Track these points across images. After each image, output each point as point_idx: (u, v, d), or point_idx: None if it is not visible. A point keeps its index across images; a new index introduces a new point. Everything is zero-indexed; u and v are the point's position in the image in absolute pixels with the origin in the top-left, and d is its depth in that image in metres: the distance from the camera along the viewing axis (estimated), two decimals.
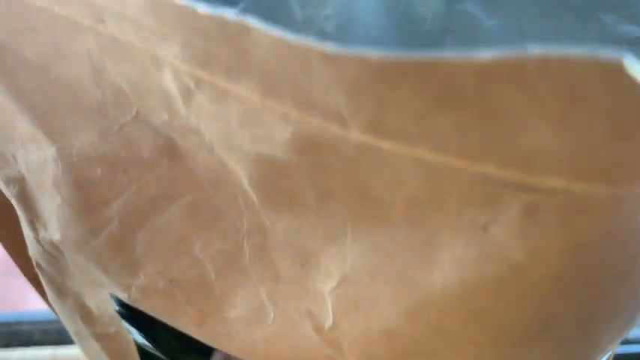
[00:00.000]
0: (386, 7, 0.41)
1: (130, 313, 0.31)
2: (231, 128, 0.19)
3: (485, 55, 0.13)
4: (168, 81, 0.19)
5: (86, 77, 0.22)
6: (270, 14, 0.38)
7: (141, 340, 0.33)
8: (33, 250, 0.29)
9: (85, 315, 0.31)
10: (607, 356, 0.24)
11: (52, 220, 0.26)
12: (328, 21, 0.41)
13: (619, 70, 0.12)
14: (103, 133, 0.23)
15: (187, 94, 0.19)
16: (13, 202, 0.27)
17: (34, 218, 0.27)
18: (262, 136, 0.18)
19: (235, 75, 0.17)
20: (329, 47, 0.14)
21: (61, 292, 0.31)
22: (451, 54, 0.13)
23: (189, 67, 0.18)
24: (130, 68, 0.20)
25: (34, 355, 0.51)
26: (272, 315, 0.24)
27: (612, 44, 0.33)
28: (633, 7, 0.31)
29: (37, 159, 0.25)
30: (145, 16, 0.18)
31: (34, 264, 0.30)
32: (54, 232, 0.26)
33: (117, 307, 0.30)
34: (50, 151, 0.24)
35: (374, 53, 0.14)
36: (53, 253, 0.28)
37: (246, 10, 0.37)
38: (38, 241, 0.27)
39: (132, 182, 0.23)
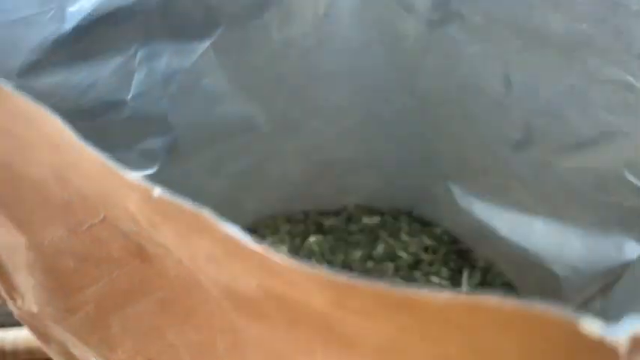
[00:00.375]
0: (367, 24, 0.40)
1: None
2: (199, 261, 0.19)
3: (442, 296, 0.13)
4: (134, 208, 0.19)
5: (51, 181, 0.22)
6: (249, 40, 0.37)
7: None
8: (11, 307, 0.29)
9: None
10: None
11: (28, 295, 0.26)
12: (307, 38, 0.40)
13: (574, 329, 0.12)
14: (72, 230, 0.23)
15: (153, 224, 0.19)
16: None
17: (10, 290, 0.27)
18: (229, 277, 0.18)
19: None
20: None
21: (45, 338, 0.32)
22: (410, 291, 0.13)
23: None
24: (95, 185, 0.20)
25: (28, 334, 0.52)
26: None
27: (595, 85, 0.32)
28: (619, 52, 0.30)
29: (9, 243, 0.25)
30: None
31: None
32: (31, 305, 0.26)
33: None
34: (21, 240, 0.24)
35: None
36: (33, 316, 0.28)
37: (224, 37, 0.36)
38: (17, 307, 0.28)
39: (104, 275, 0.23)
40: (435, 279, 0.52)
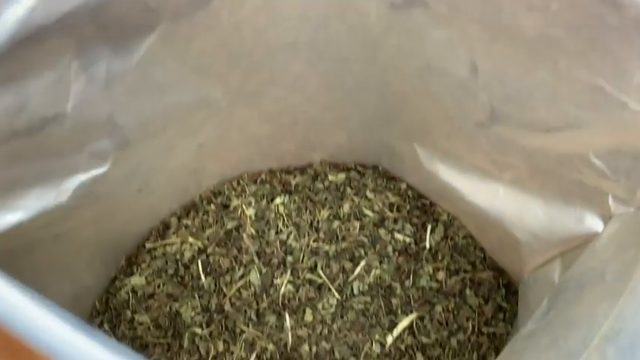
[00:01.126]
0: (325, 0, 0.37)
1: None
2: None
3: None
4: None
5: None
6: (196, 28, 0.34)
7: None
8: None
9: None
10: None
11: None
12: (260, 15, 0.37)
13: None
14: None
15: None
16: None
17: None
18: None
19: None
20: None
21: None
22: None
23: None
24: None
25: None
26: None
27: (564, 83, 0.31)
28: (592, 58, 0.28)
29: None
30: None
31: None
32: None
33: None
34: None
35: None
36: None
37: (168, 31, 0.32)
38: None
39: None
40: (399, 236, 0.53)
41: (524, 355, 0.35)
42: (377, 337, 0.48)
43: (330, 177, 0.56)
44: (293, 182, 0.56)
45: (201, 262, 0.51)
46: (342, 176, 0.56)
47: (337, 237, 0.52)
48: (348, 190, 0.55)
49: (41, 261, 0.41)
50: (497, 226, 0.47)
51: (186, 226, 0.53)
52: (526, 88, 0.33)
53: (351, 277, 0.50)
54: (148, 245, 0.53)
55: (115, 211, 0.43)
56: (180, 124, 0.40)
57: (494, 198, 0.46)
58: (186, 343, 0.49)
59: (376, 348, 0.48)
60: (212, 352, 0.48)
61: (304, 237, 0.52)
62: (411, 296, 0.50)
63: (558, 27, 0.27)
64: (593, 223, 0.40)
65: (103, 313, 0.51)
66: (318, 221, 0.53)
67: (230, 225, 0.53)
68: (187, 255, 0.52)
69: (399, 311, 0.49)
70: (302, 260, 0.51)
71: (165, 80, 0.35)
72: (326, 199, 0.55)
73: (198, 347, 0.48)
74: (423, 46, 0.35)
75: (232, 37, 0.37)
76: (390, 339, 0.48)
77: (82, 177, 0.35)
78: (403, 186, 0.56)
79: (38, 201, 0.33)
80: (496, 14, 0.29)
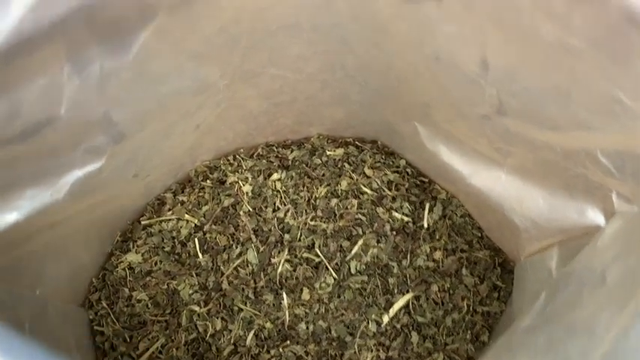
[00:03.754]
0: None
1: None
2: None
3: None
4: None
5: None
6: (194, 17, 0.32)
7: None
8: None
9: None
10: None
11: None
12: None
13: None
14: None
15: None
16: None
17: None
18: None
19: None
20: None
21: None
22: None
23: None
24: None
25: None
26: None
27: (581, 91, 0.30)
28: (614, 71, 0.27)
29: None
30: None
31: None
32: None
33: None
34: None
35: None
36: None
37: (165, 22, 0.30)
38: None
39: None
40: (397, 215, 0.52)
41: (520, 351, 0.35)
42: (373, 316, 0.49)
43: (328, 152, 0.55)
44: (290, 157, 0.55)
45: (198, 239, 0.51)
46: (340, 151, 0.55)
47: (335, 215, 0.52)
48: (346, 166, 0.54)
49: (38, 247, 0.41)
50: (496, 210, 0.47)
51: (182, 203, 0.53)
52: (538, 88, 0.32)
53: (349, 256, 0.50)
54: (144, 222, 0.52)
55: (111, 197, 0.42)
56: (177, 109, 0.39)
57: (496, 182, 0.46)
58: (184, 321, 0.49)
59: (372, 327, 0.49)
60: (210, 330, 0.49)
61: (302, 215, 0.52)
62: (407, 276, 0.50)
63: (579, 38, 0.26)
64: (595, 216, 0.39)
65: (101, 290, 0.51)
66: (315, 198, 0.53)
67: (227, 202, 0.52)
68: (184, 232, 0.51)
69: (396, 291, 0.50)
70: (299, 239, 0.51)
71: (162, 71, 0.33)
72: (324, 175, 0.54)
73: (196, 325, 0.49)
74: (433, 37, 0.34)
75: (232, 22, 0.35)
76: (386, 318, 0.49)
77: (78, 173, 0.34)
78: (402, 162, 0.55)
79: (34, 200, 0.33)
80: (514, 16, 0.28)
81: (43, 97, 0.27)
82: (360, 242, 0.51)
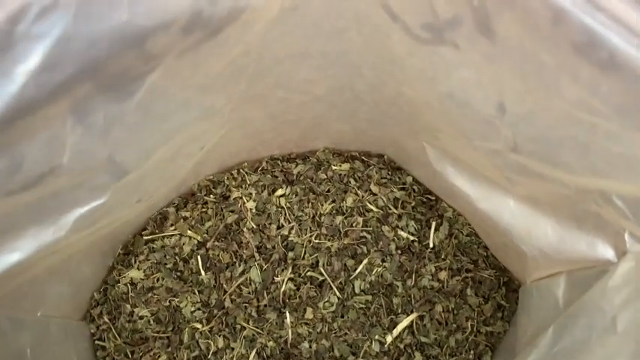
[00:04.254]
0: (342, 14, 0.34)
1: None
2: None
3: None
4: None
5: None
6: (202, 58, 0.31)
7: None
8: None
9: None
10: None
11: None
12: (272, 30, 0.34)
13: None
14: None
15: None
16: None
17: None
18: None
19: None
20: None
21: None
22: None
23: None
24: None
25: None
26: None
27: (601, 144, 0.29)
28: (632, 136, 0.26)
29: None
30: None
31: None
32: None
33: None
34: None
35: None
36: None
37: (171, 66, 0.29)
38: None
39: None
40: (402, 234, 0.52)
41: None
42: (377, 336, 0.49)
43: (334, 166, 0.54)
44: (295, 171, 0.54)
45: (201, 256, 0.51)
46: (345, 166, 0.54)
47: (340, 233, 0.51)
48: (352, 182, 0.53)
49: (40, 272, 0.40)
50: (503, 234, 0.47)
51: (185, 218, 0.52)
52: (556, 137, 0.31)
53: (353, 275, 0.50)
54: (146, 237, 0.52)
55: (113, 222, 0.41)
56: (182, 138, 0.38)
57: (504, 209, 0.45)
58: (186, 339, 0.49)
59: (375, 347, 0.49)
60: (212, 348, 0.49)
61: (306, 232, 0.51)
62: (412, 296, 0.50)
63: (605, 104, 0.25)
64: (606, 252, 0.39)
65: (102, 304, 0.50)
66: (320, 215, 0.52)
67: (230, 219, 0.51)
68: (186, 249, 0.51)
69: (400, 310, 0.50)
70: (303, 257, 0.51)
71: (167, 109, 0.32)
72: (329, 191, 0.53)
73: (198, 343, 0.49)
74: (447, 77, 0.33)
75: (239, 55, 0.34)
76: (389, 338, 0.49)
77: (80, 210, 0.33)
78: (409, 179, 0.54)
79: (36, 238, 0.32)
80: (536, 72, 0.26)
81: (45, 150, 0.26)
82: (365, 261, 0.50)
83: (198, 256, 0.51)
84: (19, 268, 0.34)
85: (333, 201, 0.52)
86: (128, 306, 0.50)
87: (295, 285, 0.50)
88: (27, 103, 0.22)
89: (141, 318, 0.49)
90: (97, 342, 0.50)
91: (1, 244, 0.30)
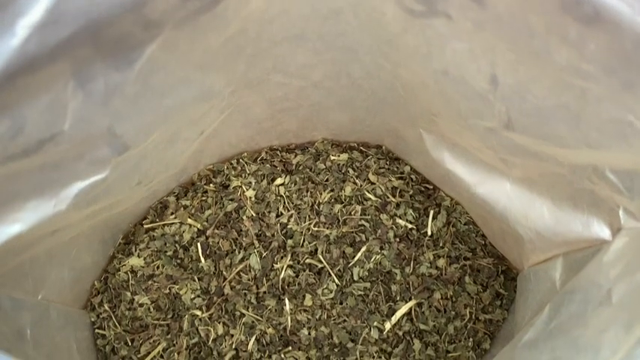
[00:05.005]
0: None
1: None
2: None
3: None
4: None
5: None
6: (200, 31, 0.31)
7: None
8: None
9: None
10: None
11: None
12: (269, 9, 0.35)
13: None
14: None
15: None
16: None
17: None
18: None
19: None
20: None
21: None
22: None
23: None
24: None
25: None
26: None
27: (592, 112, 0.29)
28: (626, 99, 0.26)
29: None
30: None
31: None
32: None
33: None
34: None
35: None
36: None
37: (170, 37, 0.30)
38: None
39: None
40: (400, 222, 0.52)
41: None
42: (375, 323, 0.49)
43: (332, 157, 0.55)
44: (294, 161, 0.54)
45: (201, 244, 0.51)
46: (344, 156, 0.55)
47: (338, 221, 0.52)
48: (351, 171, 0.54)
49: (40, 253, 0.41)
50: (500, 219, 0.47)
51: (185, 207, 0.53)
52: (548, 107, 0.31)
53: (352, 263, 0.50)
54: (146, 225, 0.52)
55: (114, 203, 0.41)
56: (182, 118, 0.38)
57: (500, 192, 0.45)
58: (185, 326, 0.49)
59: (374, 333, 0.49)
60: (212, 335, 0.49)
61: (305, 220, 0.52)
62: (410, 283, 0.50)
63: (593, 64, 0.25)
64: (601, 230, 0.39)
65: (103, 293, 0.51)
66: (319, 204, 0.52)
67: (230, 207, 0.52)
68: (186, 237, 0.51)
69: (398, 298, 0.50)
70: (302, 244, 0.51)
71: (167, 83, 0.33)
72: (327, 180, 0.54)
73: (198, 329, 0.49)
74: (442, 52, 0.33)
75: (238, 32, 0.34)
76: (388, 325, 0.49)
77: (81, 184, 0.33)
78: (407, 169, 0.54)
79: (37, 211, 0.32)
80: (526, 38, 0.27)
81: (47, 114, 0.26)
82: (364, 249, 0.51)
83: (198, 244, 0.51)
84: (20, 243, 0.35)
85: (332, 190, 0.53)
86: (128, 294, 0.50)
87: (294, 272, 0.50)
88: (29, 59, 0.23)
89: (141, 305, 0.50)
90: (97, 330, 0.50)
91: (2, 214, 0.30)
